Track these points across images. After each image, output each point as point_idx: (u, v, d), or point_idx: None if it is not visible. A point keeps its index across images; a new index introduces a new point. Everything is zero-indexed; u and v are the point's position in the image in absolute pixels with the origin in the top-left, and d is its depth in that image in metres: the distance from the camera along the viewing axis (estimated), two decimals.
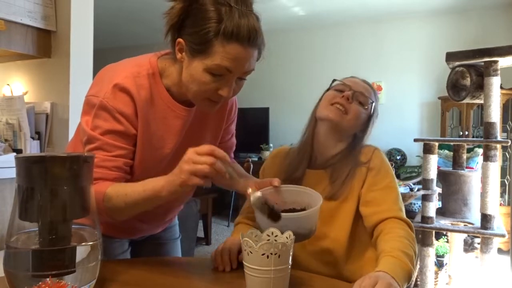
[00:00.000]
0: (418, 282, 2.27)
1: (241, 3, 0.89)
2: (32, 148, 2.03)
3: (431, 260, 2.22)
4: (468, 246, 2.89)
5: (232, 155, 1.28)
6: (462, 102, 2.25)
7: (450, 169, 2.32)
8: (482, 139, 2.03)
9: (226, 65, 0.89)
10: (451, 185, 2.24)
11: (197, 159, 0.82)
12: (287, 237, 0.83)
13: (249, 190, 0.90)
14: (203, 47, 0.88)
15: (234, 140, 1.26)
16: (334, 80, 1.23)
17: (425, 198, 2.19)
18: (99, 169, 0.93)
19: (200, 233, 4.09)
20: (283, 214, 0.91)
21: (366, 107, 1.18)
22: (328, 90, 1.23)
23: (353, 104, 1.15)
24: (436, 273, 2.64)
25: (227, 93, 0.93)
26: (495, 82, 1.99)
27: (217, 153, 0.83)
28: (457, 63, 2.14)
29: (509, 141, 2.03)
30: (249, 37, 0.88)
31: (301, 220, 0.89)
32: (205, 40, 0.88)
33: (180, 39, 0.92)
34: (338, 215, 1.12)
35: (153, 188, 0.89)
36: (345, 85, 1.19)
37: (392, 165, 1.01)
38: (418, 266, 2.30)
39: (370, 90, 1.21)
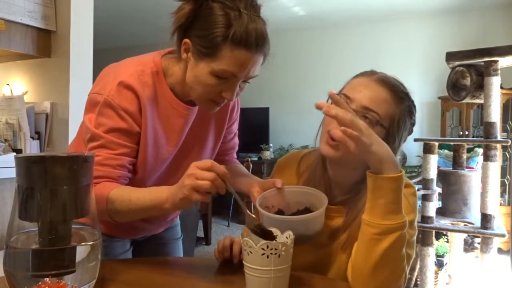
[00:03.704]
0: (418, 282, 2.27)
1: (250, 8, 0.89)
2: (32, 148, 2.03)
3: (431, 260, 2.22)
4: (468, 246, 2.89)
5: (235, 155, 1.28)
6: (462, 102, 2.25)
7: (450, 169, 2.32)
8: (482, 139, 2.03)
9: (233, 70, 0.90)
10: (451, 185, 2.24)
11: (199, 174, 0.80)
12: (287, 237, 0.83)
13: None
14: (211, 50, 0.89)
15: (236, 140, 1.26)
16: (330, 97, 0.87)
17: (425, 198, 2.19)
18: (103, 167, 0.93)
19: (200, 233, 4.09)
20: (291, 217, 0.91)
21: (373, 126, 0.89)
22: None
23: None
24: (436, 273, 2.64)
25: (231, 97, 0.95)
26: (495, 82, 1.99)
27: (216, 169, 0.80)
28: (457, 63, 2.14)
29: (509, 141, 2.03)
30: (257, 43, 0.89)
31: (308, 222, 0.88)
32: (213, 44, 0.88)
33: (186, 40, 0.93)
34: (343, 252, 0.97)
35: (157, 199, 0.88)
36: (345, 97, 0.93)
37: None
38: (418, 266, 2.30)
39: (388, 97, 0.92)
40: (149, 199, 0.89)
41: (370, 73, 0.97)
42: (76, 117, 2.10)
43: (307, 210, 0.95)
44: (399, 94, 0.94)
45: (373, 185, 0.83)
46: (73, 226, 0.74)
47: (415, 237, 0.96)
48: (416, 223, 0.97)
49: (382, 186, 0.82)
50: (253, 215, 0.86)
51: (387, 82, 0.94)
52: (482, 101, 2.09)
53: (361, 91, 0.92)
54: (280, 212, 0.97)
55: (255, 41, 0.88)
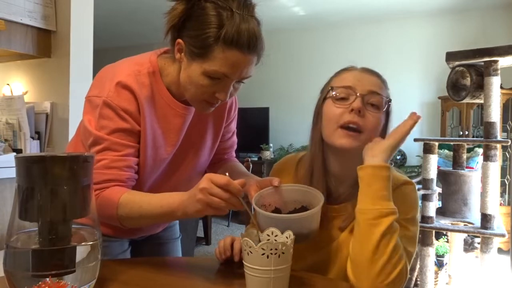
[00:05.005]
0: (418, 282, 2.27)
1: (243, 7, 0.89)
2: (32, 148, 2.03)
3: (431, 260, 2.22)
4: (468, 246, 2.89)
5: (234, 153, 1.28)
6: (462, 102, 2.25)
7: (450, 169, 2.32)
8: (482, 139, 2.03)
9: (224, 71, 0.89)
10: (451, 185, 2.24)
11: (213, 191, 0.80)
12: (287, 237, 0.83)
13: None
14: (203, 51, 0.89)
15: (235, 138, 1.26)
16: (332, 88, 0.98)
17: (425, 198, 2.19)
18: (111, 170, 0.93)
19: (200, 233, 4.09)
20: (287, 215, 0.91)
21: (382, 109, 0.97)
22: (325, 98, 1.00)
23: (367, 114, 0.94)
24: (436, 273, 2.64)
25: (224, 97, 0.95)
26: (495, 82, 1.99)
27: (232, 188, 0.80)
28: (457, 63, 2.14)
29: (509, 141, 2.03)
30: (249, 44, 0.88)
31: (303, 220, 0.88)
32: (205, 44, 0.88)
33: (179, 40, 0.92)
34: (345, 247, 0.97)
35: (168, 206, 0.88)
36: (348, 88, 0.96)
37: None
38: (418, 266, 2.30)
39: (380, 82, 0.99)
40: (160, 206, 0.89)
41: (352, 67, 1.04)
42: (76, 117, 2.10)
43: (304, 209, 0.95)
44: (383, 79, 1.02)
45: (364, 174, 0.89)
46: (73, 226, 0.74)
47: (417, 233, 0.97)
48: (417, 219, 0.98)
49: (372, 173, 0.88)
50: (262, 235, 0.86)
51: (372, 70, 1.02)
52: (482, 101, 2.09)
53: (359, 80, 0.97)
54: (277, 210, 0.97)
55: (247, 41, 0.88)
